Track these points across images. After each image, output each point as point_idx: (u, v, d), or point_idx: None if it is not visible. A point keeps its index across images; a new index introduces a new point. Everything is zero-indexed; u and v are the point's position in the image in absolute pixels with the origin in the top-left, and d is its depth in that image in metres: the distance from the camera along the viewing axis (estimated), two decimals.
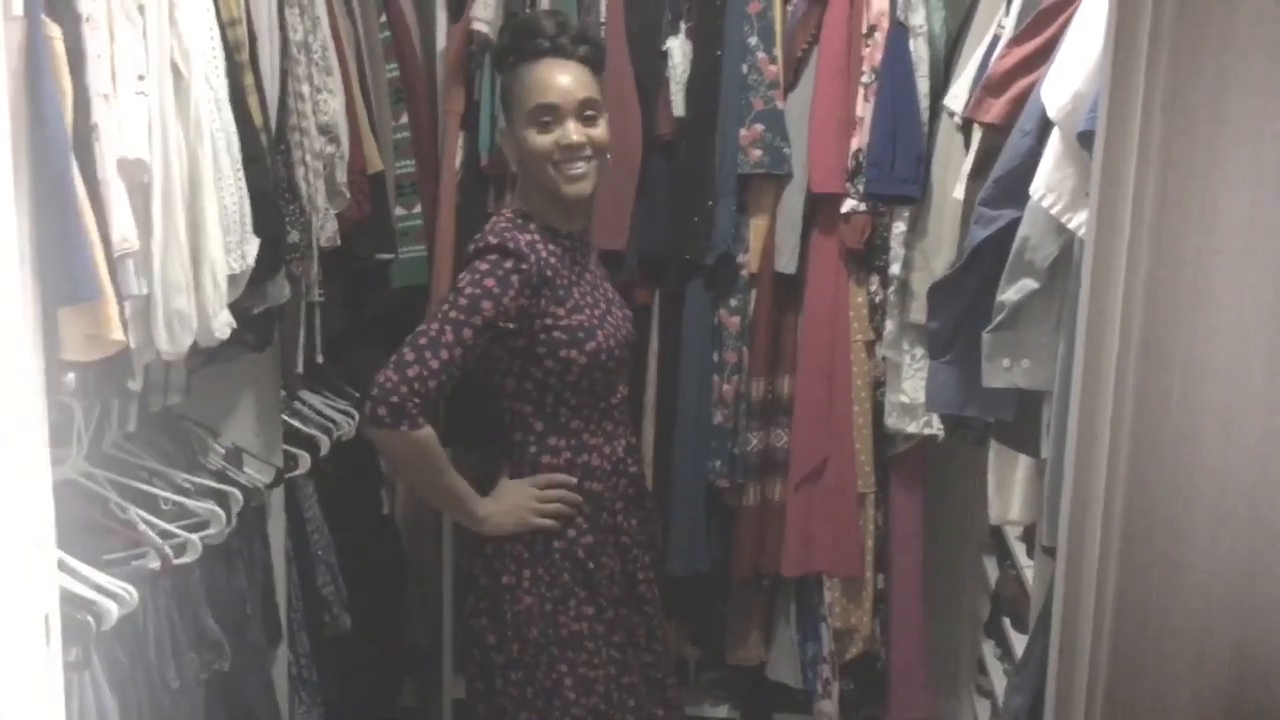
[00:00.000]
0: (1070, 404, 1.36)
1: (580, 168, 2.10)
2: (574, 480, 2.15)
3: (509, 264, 2.04)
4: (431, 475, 2.12)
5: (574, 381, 2.12)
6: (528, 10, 2.73)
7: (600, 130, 2.12)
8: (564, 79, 2.10)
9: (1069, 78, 1.59)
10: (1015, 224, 1.75)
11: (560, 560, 2.13)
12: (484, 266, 2.05)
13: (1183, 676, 1.22)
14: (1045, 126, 1.68)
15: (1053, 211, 1.63)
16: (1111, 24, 1.20)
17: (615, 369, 2.19)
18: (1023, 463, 2.20)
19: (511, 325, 2.05)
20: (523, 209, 2.16)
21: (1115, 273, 1.18)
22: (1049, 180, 1.63)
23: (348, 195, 2.39)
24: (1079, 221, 1.60)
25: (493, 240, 2.06)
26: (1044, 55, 1.76)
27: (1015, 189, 1.75)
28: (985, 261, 1.84)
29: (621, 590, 2.21)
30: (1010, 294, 1.74)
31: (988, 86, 1.89)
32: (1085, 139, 1.52)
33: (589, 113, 2.11)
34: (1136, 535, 1.21)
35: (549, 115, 2.09)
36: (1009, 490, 2.25)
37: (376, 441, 2.15)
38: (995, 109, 1.87)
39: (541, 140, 2.10)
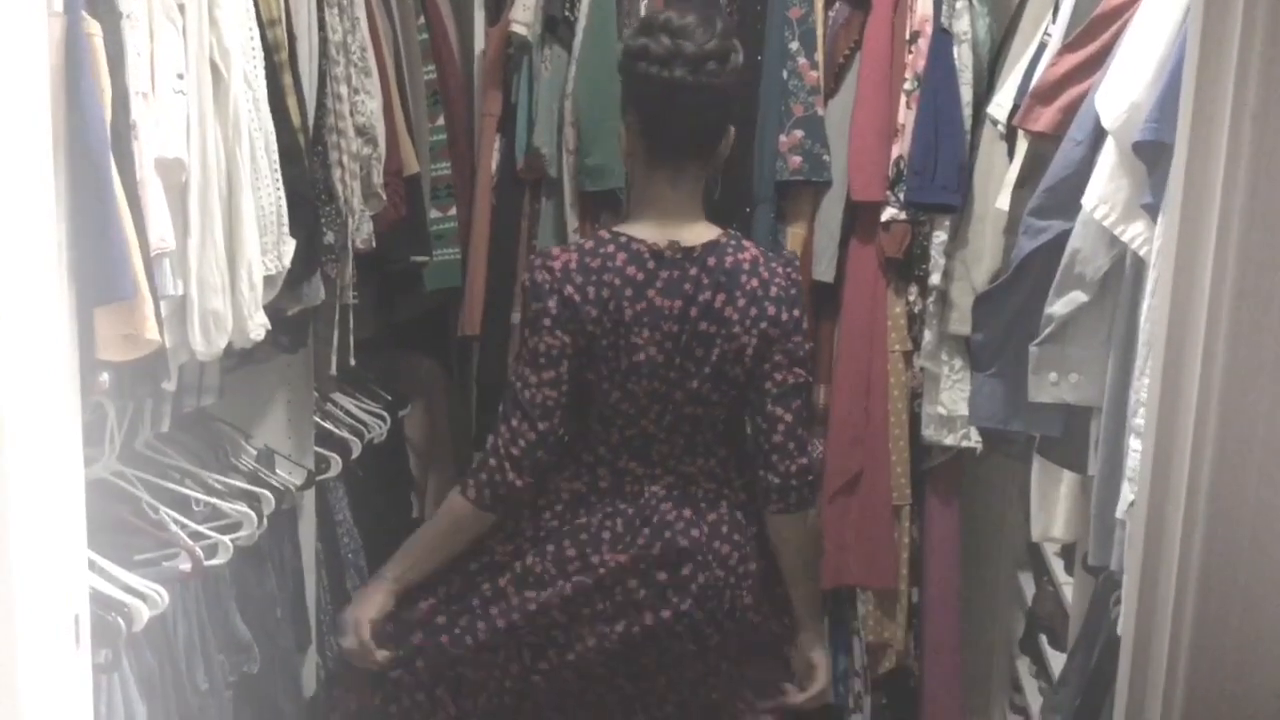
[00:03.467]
0: (1147, 423, 1.31)
1: None
2: None
3: None
4: None
5: None
6: (567, 14, 2.72)
7: None
8: None
9: (1125, 86, 1.56)
10: (1064, 236, 1.72)
11: None
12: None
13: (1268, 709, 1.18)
14: (1098, 136, 1.65)
15: (1105, 223, 1.59)
16: (1196, 24, 1.15)
17: None
18: (1067, 479, 2.16)
19: None
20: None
21: (1199, 289, 1.13)
22: (1102, 191, 1.60)
23: (384, 197, 2.38)
24: (1132, 234, 1.57)
25: None
26: (1097, 63, 1.73)
27: (1065, 200, 1.72)
28: (1033, 273, 1.81)
29: None
30: (1059, 307, 1.71)
31: (1038, 94, 1.86)
32: (1141, 149, 1.49)
33: None
34: (1216, 563, 1.16)
35: None
36: (1052, 507, 2.21)
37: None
38: (1045, 117, 1.84)
39: None
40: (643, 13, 2.69)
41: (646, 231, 1.95)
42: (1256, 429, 1.14)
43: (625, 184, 2.69)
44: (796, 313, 1.97)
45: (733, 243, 1.96)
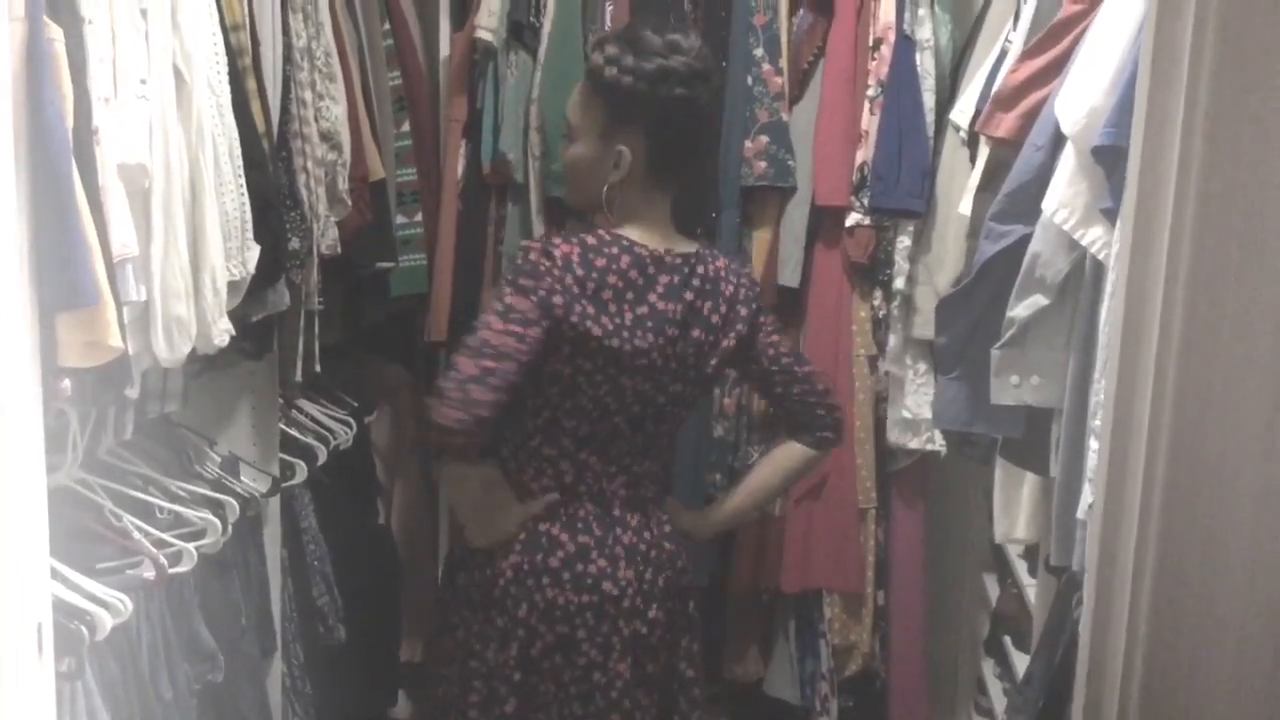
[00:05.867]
0: (1101, 426, 1.33)
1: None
2: None
3: None
4: None
5: None
6: (532, 19, 2.72)
7: (570, 152, 2.00)
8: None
9: (1083, 92, 1.57)
10: (1025, 240, 1.74)
11: None
12: None
13: (1220, 706, 1.19)
14: (1058, 141, 1.66)
15: (1065, 227, 1.61)
16: (1150, 33, 1.17)
17: None
18: (1029, 481, 2.18)
19: None
20: None
21: (1152, 292, 1.15)
22: (1062, 196, 1.61)
23: (349, 202, 2.37)
24: (1091, 238, 1.59)
25: None
26: (1056, 69, 1.75)
27: (1026, 204, 1.74)
28: (994, 277, 1.82)
29: None
30: (1020, 310, 1.72)
31: (998, 100, 1.87)
32: (1100, 154, 1.51)
33: (570, 131, 2.02)
34: (1169, 562, 1.18)
35: None
36: (1015, 508, 2.23)
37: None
38: (1006, 123, 1.86)
39: None
40: (608, 19, 2.70)
41: (641, 237, 1.95)
42: (1208, 433, 1.16)
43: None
44: (758, 305, 2.07)
45: (708, 252, 2.02)
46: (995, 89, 1.94)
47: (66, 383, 1.44)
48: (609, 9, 2.70)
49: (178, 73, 1.67)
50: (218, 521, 1.97)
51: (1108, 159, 1.51)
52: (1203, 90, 1.09)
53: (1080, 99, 1.58)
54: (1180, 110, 1.10)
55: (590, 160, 1.97)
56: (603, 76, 1.91)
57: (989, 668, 2.90)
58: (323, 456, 2.53)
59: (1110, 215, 1.53)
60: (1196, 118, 1.09)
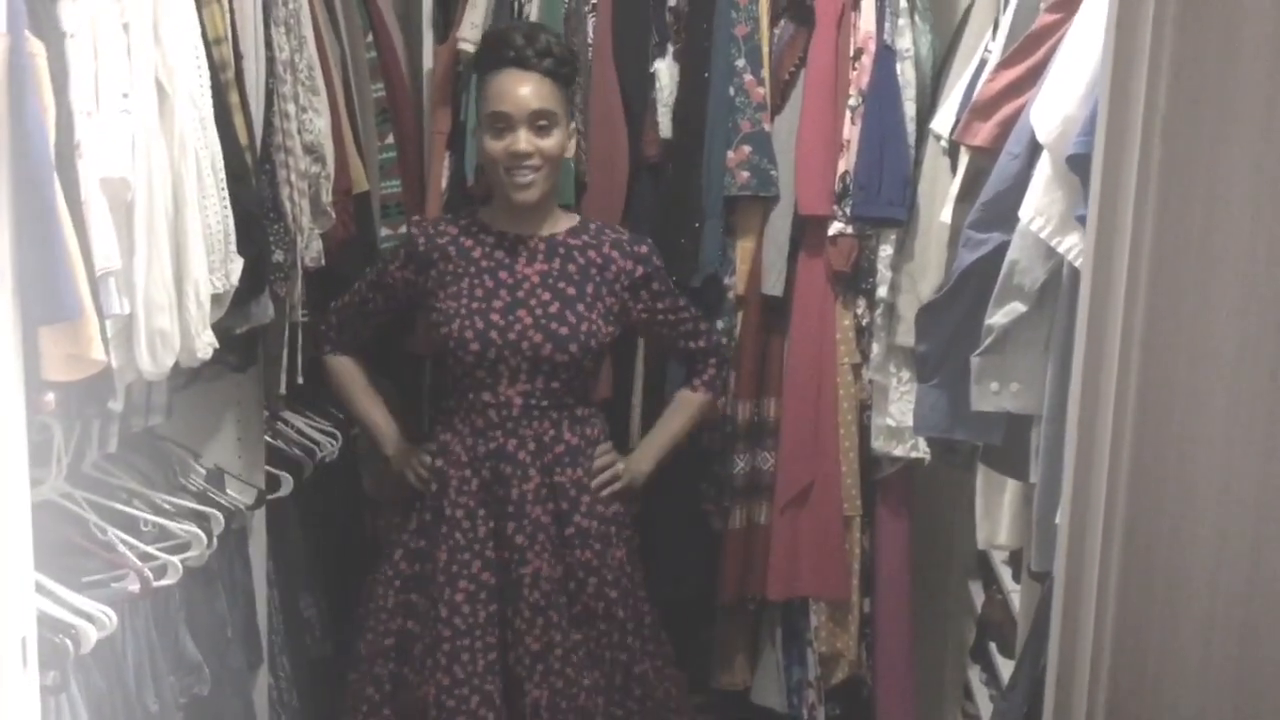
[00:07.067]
0: (1067, 429, 1.34)
1: (527, 176, 2.22)
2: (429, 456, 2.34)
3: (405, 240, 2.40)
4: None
5: (449, 361, 2.29)
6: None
7: (552, 141, 2.22)
8: (520, 89, 2.20)
9: (1058, 101, 1.59)
10: (1003, 247, 1.75)
11: (415, 529, 2.34)
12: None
13: (1185, 703, 1.20)
14: (1034, 150, 1.68)
15: (1042, 235, 1.62)
16: (1109, 45, 1.19)
17: (480, 366, 2.26)
18: (1011, 487, 2.19)
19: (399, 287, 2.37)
20: (483, 205, 2.42)
21: (1114, 296, 1.17)
22: (1038, 204, 1.62)
23: (332, 215, 2.38)
24: (1068, 245, 1.60)
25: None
26: (1032, 79, 1.76)
27: (1003, 212, 1.75)
28: (973, 285, 1.83)
29: (474, 586, 2.27)
30: (999, 317, 1.73)
31: (975, 110, 1.89)
32: (1074, 162, 1.52)
33: (542, 123, 2.21)
34: (1135, 563, 1.20)
35: (502, 123, 2.22)
36: (997, 514, 2.24)
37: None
38: (983, 132, 1.87)
39: (494, 146, 2.23)
40: (590, 31, 2.71)
41: None
42: (1171, 433, 1.18)
43: (576, 199, 2.71)
44: None
45: None
46: (973, 98, 1.96)
47: (50, 396, 1.44)
48: (591, 21, 2.72)
49: (160, 86, 1.67)
50: (203, 534, 1.97)
51: (1082, 167, 1.52)
52: (1161, 101, 1.11)
53: (1055, 108, 1.60)
54: (1140, 120, 1.12)
55: (564, 144, 2.26)
56: (569, 60, 2.27)
57: (975, 674, 2.91)
58: (309, 469, 2.54)
59: (1086, 223, 1.55)
60: (1155, 128, 1.11)
